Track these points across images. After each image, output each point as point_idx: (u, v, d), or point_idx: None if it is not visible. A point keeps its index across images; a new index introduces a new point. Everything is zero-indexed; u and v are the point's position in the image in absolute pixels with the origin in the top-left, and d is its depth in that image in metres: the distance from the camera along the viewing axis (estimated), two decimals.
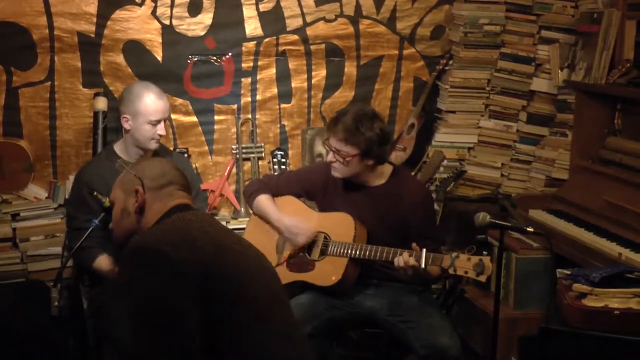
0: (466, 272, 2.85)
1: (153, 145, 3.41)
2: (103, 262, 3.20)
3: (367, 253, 3.04)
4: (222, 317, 1.99)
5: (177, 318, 1.93)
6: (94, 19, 3.84)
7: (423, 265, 2.91)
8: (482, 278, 2.83)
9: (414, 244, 2.94)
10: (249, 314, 2.03)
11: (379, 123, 3.07)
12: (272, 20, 4.07)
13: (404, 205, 3.11)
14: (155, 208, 2.22)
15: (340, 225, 3.14)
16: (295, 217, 3.24)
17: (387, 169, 3.19)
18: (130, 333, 1.98)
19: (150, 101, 3.36)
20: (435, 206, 3.71)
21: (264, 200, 3.32)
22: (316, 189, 3.29)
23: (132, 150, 3.43)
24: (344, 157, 3.04)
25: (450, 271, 2.88)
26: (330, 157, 3.09)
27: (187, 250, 2.00)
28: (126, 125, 3.37)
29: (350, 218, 3.13)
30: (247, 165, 4.15)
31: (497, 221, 2.98)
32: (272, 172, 4.07)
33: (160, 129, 3.39)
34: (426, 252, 2.91)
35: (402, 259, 2.92)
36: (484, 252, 2.88)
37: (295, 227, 3.21)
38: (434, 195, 3.83)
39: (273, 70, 4.14)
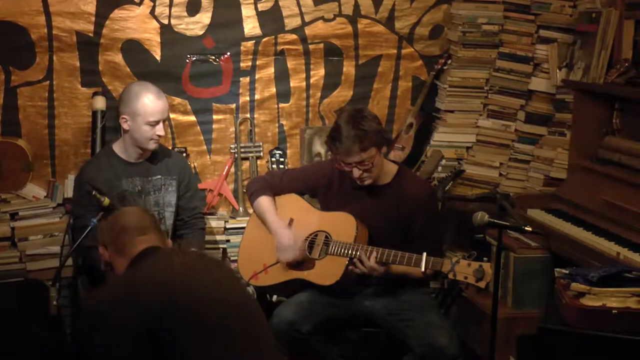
0: (466, 278, 2.86)
1: (152, 145, 3.41)
2: None
3: (367, 254, 3.04)
4: (174, 353, 2.07)
5: None
6: (93, 18, 3.84)
7: (423, 269, 2.91)
8: (482, 284, 2.84)
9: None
10: (202, 343, 2.08)
11: (364, 111, 3.08)
12: (271, 19, 4.07)
13: (408, 204, 3.11)
14: (120, 263, 2.36)
15: (341, 225, 3.13)
16: (292, 232, 3.22)
17: (392, 169, 3.19)
18: None
19: (148, 102, 3.36)
20: None
21: (264, 204, 3.31)
22: (320, 187, 3.28)
23: (132, 150, 3.44)
24: (370, 162, 3.02)
25: (450, 276, 2.88)
26: (356, 173, 3.04)
27: (130, 302, 2.11)
28: (125, 126, 3.37)
29: (352, 218, 3.12)
30: (246, 165, 4.14)
31: (495, 221, 2.98)
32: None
33: (159, 130, 3.38)
34: (426, 255, 2.92)
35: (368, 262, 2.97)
36: (485, 259, 2.89)
37: (286, 244, 3.19)
38: None
39: (271, 70, 4.14)
